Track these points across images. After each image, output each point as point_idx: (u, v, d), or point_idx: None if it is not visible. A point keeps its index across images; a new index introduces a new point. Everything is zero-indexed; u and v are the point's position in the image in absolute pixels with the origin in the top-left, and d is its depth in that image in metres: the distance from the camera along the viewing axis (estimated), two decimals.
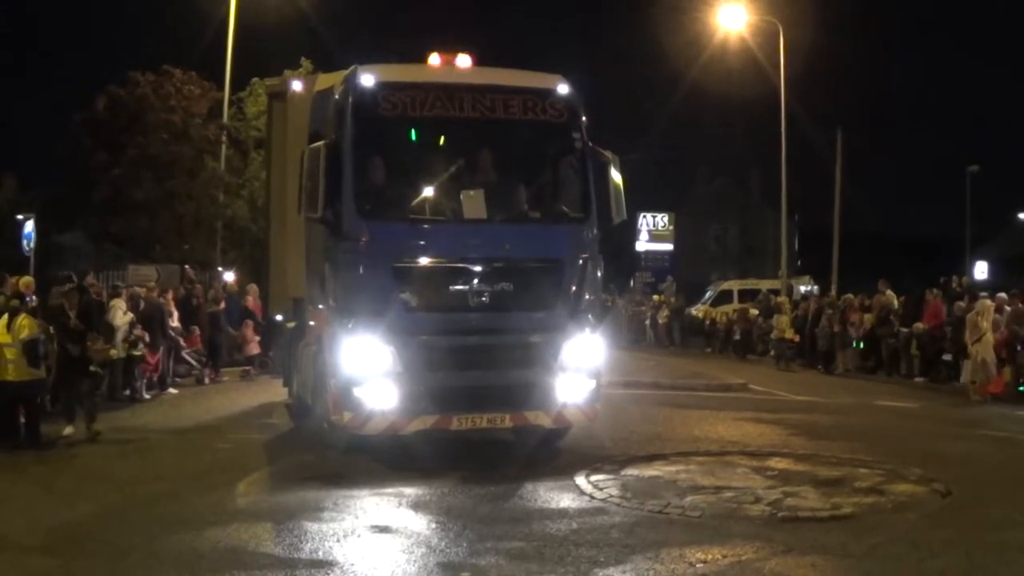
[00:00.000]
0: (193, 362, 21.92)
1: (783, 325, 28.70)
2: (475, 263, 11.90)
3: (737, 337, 32.91)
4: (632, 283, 49.29)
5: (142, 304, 19.67)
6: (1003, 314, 20.72)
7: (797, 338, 28.21)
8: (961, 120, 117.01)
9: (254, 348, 23.65)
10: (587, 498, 10.49)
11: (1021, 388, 20.14)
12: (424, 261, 11.88)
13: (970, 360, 20.16)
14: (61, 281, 16.39)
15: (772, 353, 29.31)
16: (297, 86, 15.39)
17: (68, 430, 13.91)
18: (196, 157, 31.42)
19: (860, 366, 25.71)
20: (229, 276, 30.03)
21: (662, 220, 60.29)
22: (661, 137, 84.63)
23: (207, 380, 21.91)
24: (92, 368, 14.42)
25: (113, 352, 15.08)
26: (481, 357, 11.95)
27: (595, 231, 12.49)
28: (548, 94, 12.52)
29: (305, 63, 30.48)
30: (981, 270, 49.24)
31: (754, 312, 32.76)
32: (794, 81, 37.54)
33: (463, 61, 12.92)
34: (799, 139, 39.12)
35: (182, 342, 21.34)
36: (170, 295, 21.85)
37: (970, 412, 18.50)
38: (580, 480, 11.12)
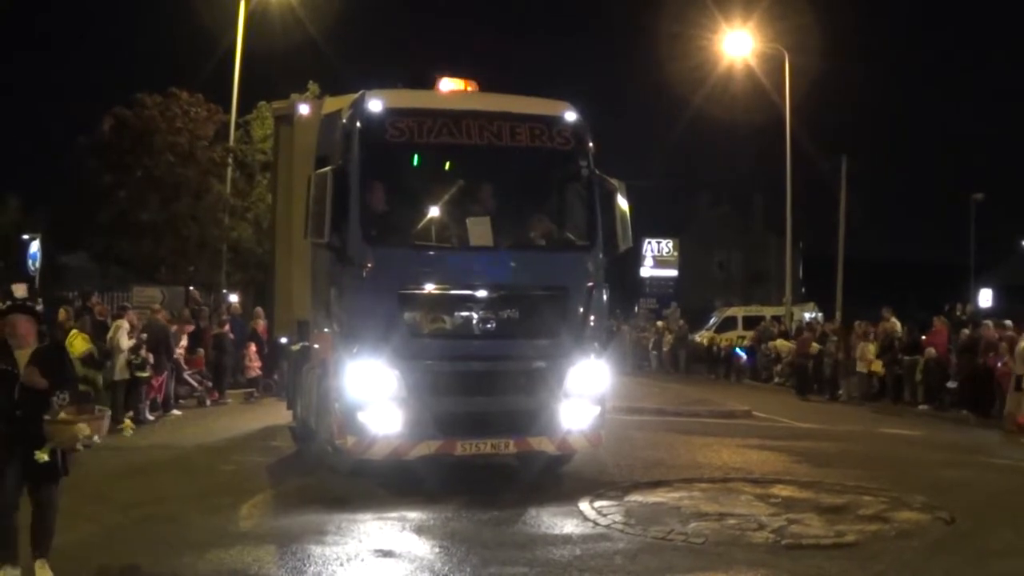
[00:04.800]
0: (194, 383, 21.93)
1: (868, 355, 25.19)
2: (481, 290, 11.93)
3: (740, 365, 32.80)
4: (636, 309, 49.27)
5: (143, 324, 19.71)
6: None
7: (883, 370, 24.85)
8: (966, 148, 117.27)
9: (253, 370, 23.71)
10: (591, 524, 10.47)
11: None
12: (430, 287, 11.88)
13: (1021, 392, 19.30)
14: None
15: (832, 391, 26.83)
16: (304, 109, 15.44)
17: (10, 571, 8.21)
18: (202, 180, 31.49)
19: (864, 393, 25.66)
20: (234, 298, 30.10)
21: (667, 246, 60.35)
22: (666, 163, 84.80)
23: (208, 402, 21.95)
24: (41, 455, 7.89)
25: (84, 429, 7.93)
26: (486, 383, 11.97)
27: (601, 258, 12.52)
28: (555, 121, 12.57)
29: (312, 86, 30.55)
30: (985, 298, 49.15)
31: (816, 347, 27.96)
32: (799, 108, 37.53)
33: (470, 87, 13.02)
34: (804, 165, 39.02)
35: (182, 363, 21.37)
36: (189, 328, 21.98)
37: (973, 439, 18.47)
38: (584, 506, 11.11)
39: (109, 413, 8.62)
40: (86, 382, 10.28)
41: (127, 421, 9.11)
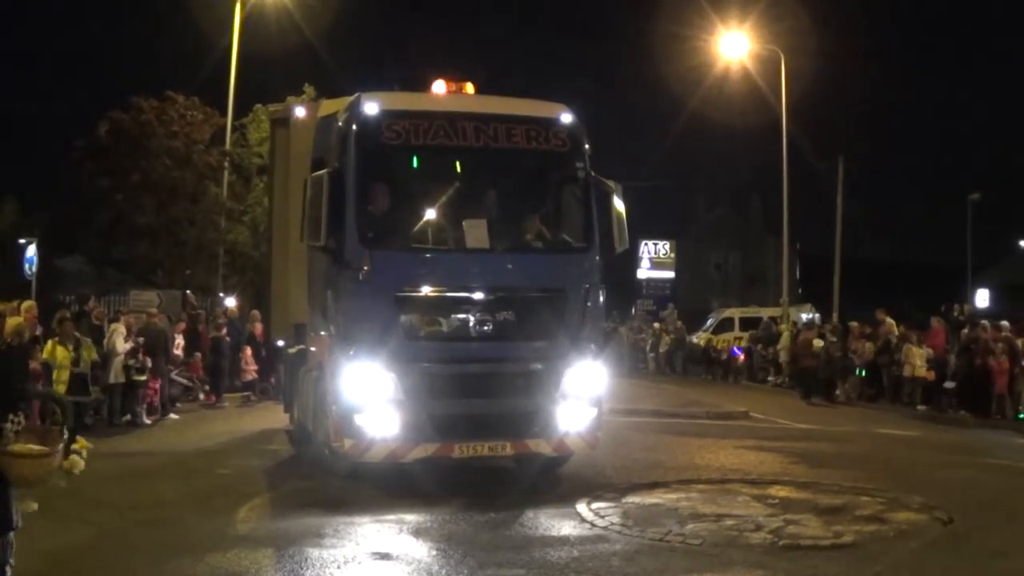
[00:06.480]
0: (184, 381, 21.91)
1: (914, 359, 23.57)
2: (477, 292, 11.91)
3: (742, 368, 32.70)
4: (634, 311, 49.26)
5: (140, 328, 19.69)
6: None
7: (932, 375, 23.23)
8: (962, 148, 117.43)
9: (250, 374, 23.71)
10: (588, 526, 10.47)
11: (1021, 416, 20.19)
12: (426, 290, 11.87)
13: None
14: None
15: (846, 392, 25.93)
16: (300, 112, 15.45)
17: None
18: (198, 183, 31.49)
19: (862, 394, 25.65)
20: (230, 302, 30.06)
21: (663, 247, 60.41)
22: (663, 164, 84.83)
23: (201, 396, 21.99)
24: None
25: (49, 464, 6.06)
26: (483, 385, 11.96)
27: (597, 260, 12.52)
28: (551, 123, 12.56)
29: (308, 89, 30.51)
30: (982, 298, 49.17)
31: (819, 343, 26.80)
32: (796, 109, 37.59)
33: (466, 89, 13.01)
34: (801, 166, 39.02)
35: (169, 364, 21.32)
36: (181, 326, 22.09)
37: (971, 440, 18.48)
38: (581, 508, 11.11)
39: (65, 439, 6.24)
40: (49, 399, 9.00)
41: (74, 458, 6.87)
